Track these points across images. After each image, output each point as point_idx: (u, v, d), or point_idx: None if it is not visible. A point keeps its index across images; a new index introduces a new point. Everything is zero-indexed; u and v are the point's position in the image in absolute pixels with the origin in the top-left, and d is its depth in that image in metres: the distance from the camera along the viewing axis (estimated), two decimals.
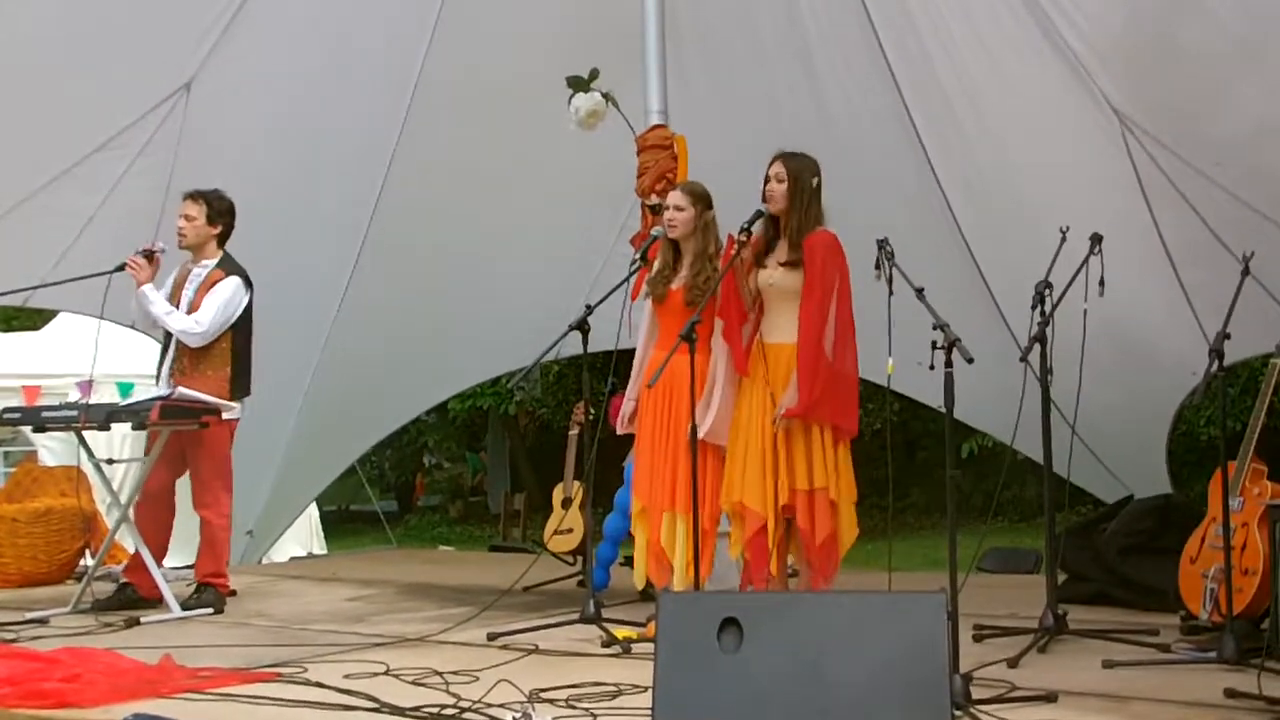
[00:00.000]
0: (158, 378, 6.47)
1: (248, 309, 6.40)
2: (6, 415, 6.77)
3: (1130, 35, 5.59)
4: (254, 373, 6.51)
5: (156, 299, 6.24)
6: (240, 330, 6.38)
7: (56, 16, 5.93)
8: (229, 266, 6.38)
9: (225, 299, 6.28)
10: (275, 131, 6.95)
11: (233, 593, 6.69)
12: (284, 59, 6.72)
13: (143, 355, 8.09)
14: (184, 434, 6.21)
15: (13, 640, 5.33)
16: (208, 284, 6.31)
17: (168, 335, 6.41)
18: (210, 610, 6.20)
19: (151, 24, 6.26)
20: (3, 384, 8.75)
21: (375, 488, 14.53)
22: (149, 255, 6.25)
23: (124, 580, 6.44)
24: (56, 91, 6.22)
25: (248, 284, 6.39)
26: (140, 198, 6.94)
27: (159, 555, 6.39)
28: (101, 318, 6.44)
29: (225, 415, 6.24)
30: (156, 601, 6.20)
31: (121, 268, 6.21)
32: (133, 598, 6.29)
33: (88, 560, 7.48)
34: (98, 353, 6.68)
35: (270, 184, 7.04)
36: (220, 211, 6.37)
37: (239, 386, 6.39)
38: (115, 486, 7.02)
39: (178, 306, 6.32)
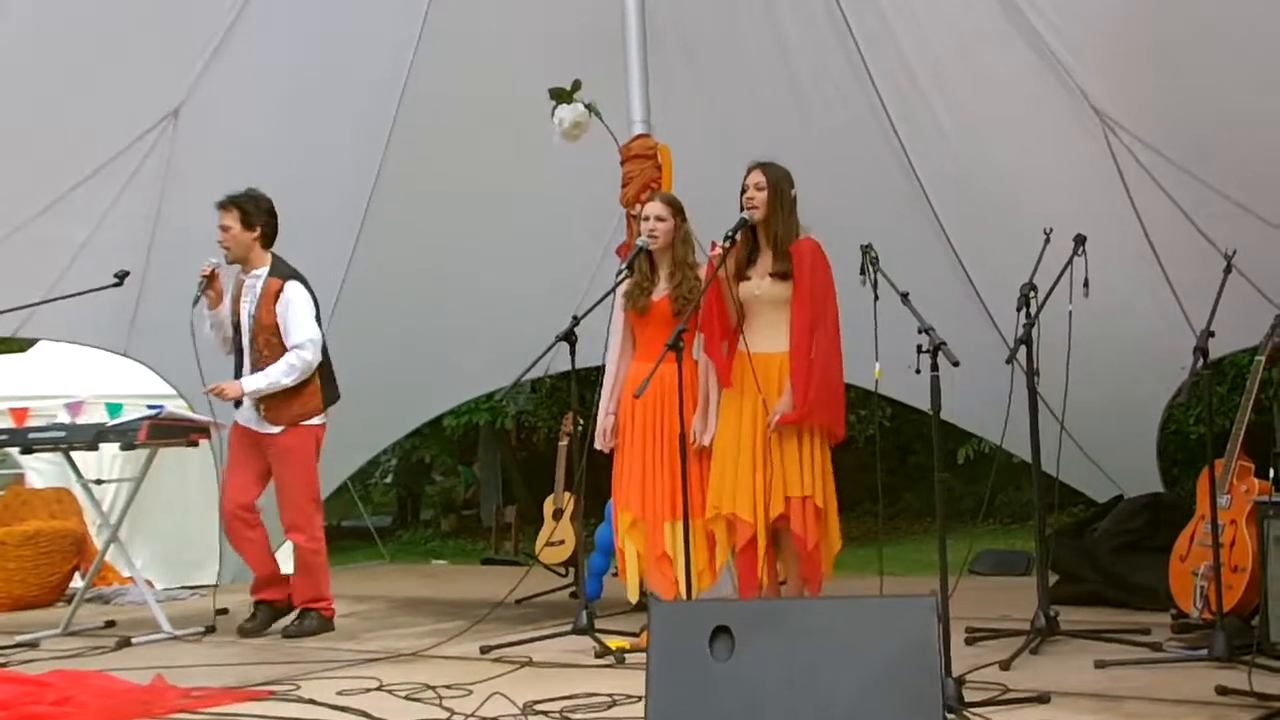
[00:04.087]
0: (236, 403, 6.11)
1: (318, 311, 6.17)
2: None
3: (1107, 33, 5.61)
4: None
5: (257, 382, 5.93)
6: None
7: (42, 47, 5.89)
8: (283, 271, 6.09)
9: (305, 309, 6.02)
10: (262, 154, 6.92)
11: (224, 611, 6.68)
12: (270, 82, 6.71)
13: (131, 376, 8.09)
14: (270, 447, 6.00)
15: (3, 664, 5.31)
16: (268, 296, 6.03)
17: (237, 361, 6.12)
18: (314, 634, 5.97)
19: (138, 52, 6.22)
20: None
21: (369, 503, 14.49)
22: (210, 279, 6.01)
23: (256, 600, 6.15)
24: (44, 121, 6.17)
25: (309, 284, 6.13)
26: (130, 225, 6.88)
27: (269, 579, 6.13)
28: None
29: (311, 422, 6.05)
30: (287, 608, 6.10)
31: (197, 300, 6.01)
32: (273, 613, 6.11)
33: (78, 582, 7.46)
34: (78, 373, 6.63)
35: None
36: (256, 212, 6.07)
37: (329, 394, 6.16)
38: (105, 507, 7.00)
39: (239, 323, 6.08)
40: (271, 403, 5.99)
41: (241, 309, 6.12)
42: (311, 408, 6.06)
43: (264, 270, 6.09)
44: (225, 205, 6.05)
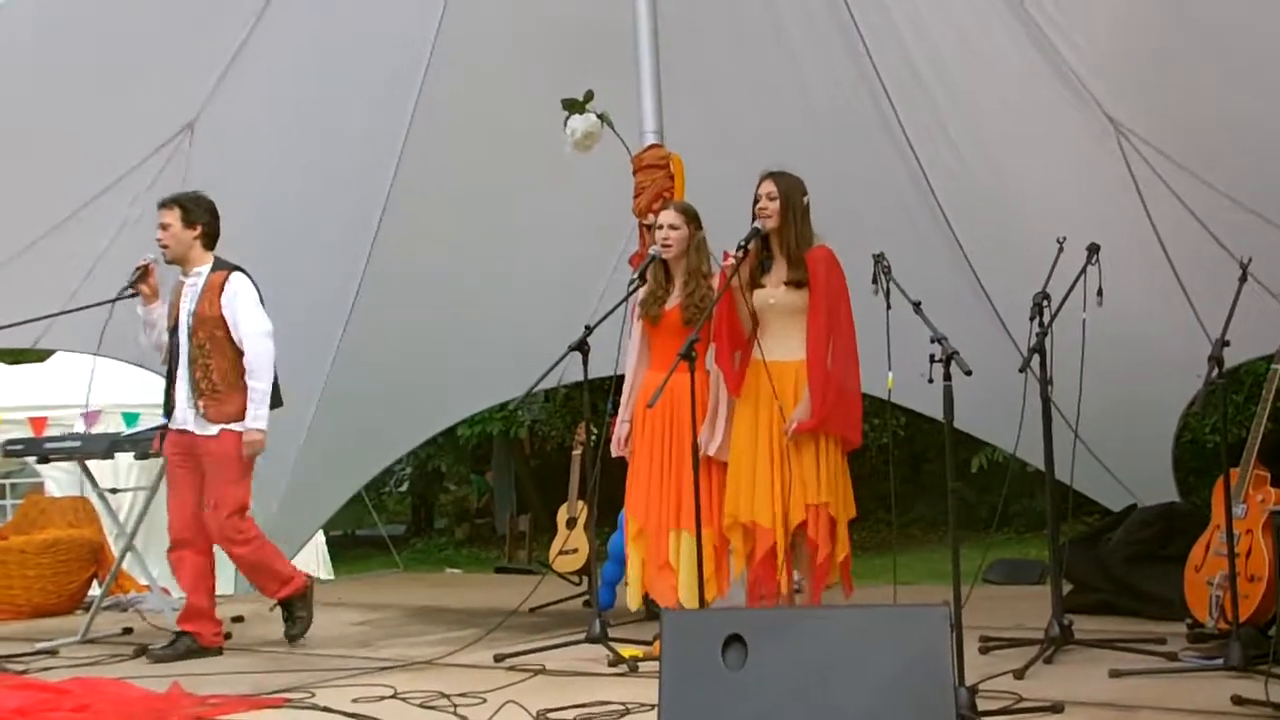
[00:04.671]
0: (167, 411, 5.93)
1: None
2: (10, 447, 6.81)
3: (1120, 41, 5.61)
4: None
5: (256, 409, 5.73)
6: None
7: (59, 60, 5.92)
8: (226, 264, 5.88)
9: (254, 299, 5.82)
10: (276, 166, 6.96)
11: (239, 619, 6.70)
12: (284, 94, 6.73)
13: (147, 386, 8.13)
14: (206, 455, 5.76)
15: (22, 671, 5.35)
16: (212, 289, 5.80)
17: (171, 365, 5.91)
18: (307, 619, 5.94)
19: (153, 65, 6.23)
20: (9, 416, 8.78)
21: (383, 512, 14.53)
22: (143, 272, 5.90)
23: (180, 630, 5.84)
24: (63, 134, 6.17)
25: (251, 278, 5.92)
26: (147, 238, 6.86)
27: (198, 612, 5.84)
28: (98, 353, 6.28)
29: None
30: (218, 650, 5.85)
31: (128, 295, 5.93)
32: (191, 647, 5.77)
33: (95, 590, 7.50)
34: (94, 382, 6.64)
35: (273, 218, 7.07)
36: (198, 210, 5.85)
37: (272, 397, 5.88)
38: (121, 516, 7.04)
39: (177, 324, 5.84)
40: (212, 399, 5.76)
41: (181, 309, 5.87)
42: (242, 411, 5.77)
43: (205, 268, 5.87)
44: (166, 203, 5.87)
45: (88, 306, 6.26)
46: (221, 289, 5.80)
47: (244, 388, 5.75)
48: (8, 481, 9.29)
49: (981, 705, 3.87)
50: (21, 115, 6.05)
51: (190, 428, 5.83)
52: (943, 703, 3.21)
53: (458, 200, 7.45)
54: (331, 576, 10.35)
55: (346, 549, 13.88)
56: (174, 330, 5.91)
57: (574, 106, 6.08)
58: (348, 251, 7.66)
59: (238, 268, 5.88)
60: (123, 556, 6.78)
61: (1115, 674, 4.42)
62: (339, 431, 8.23)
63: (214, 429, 5.77)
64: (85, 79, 6.03)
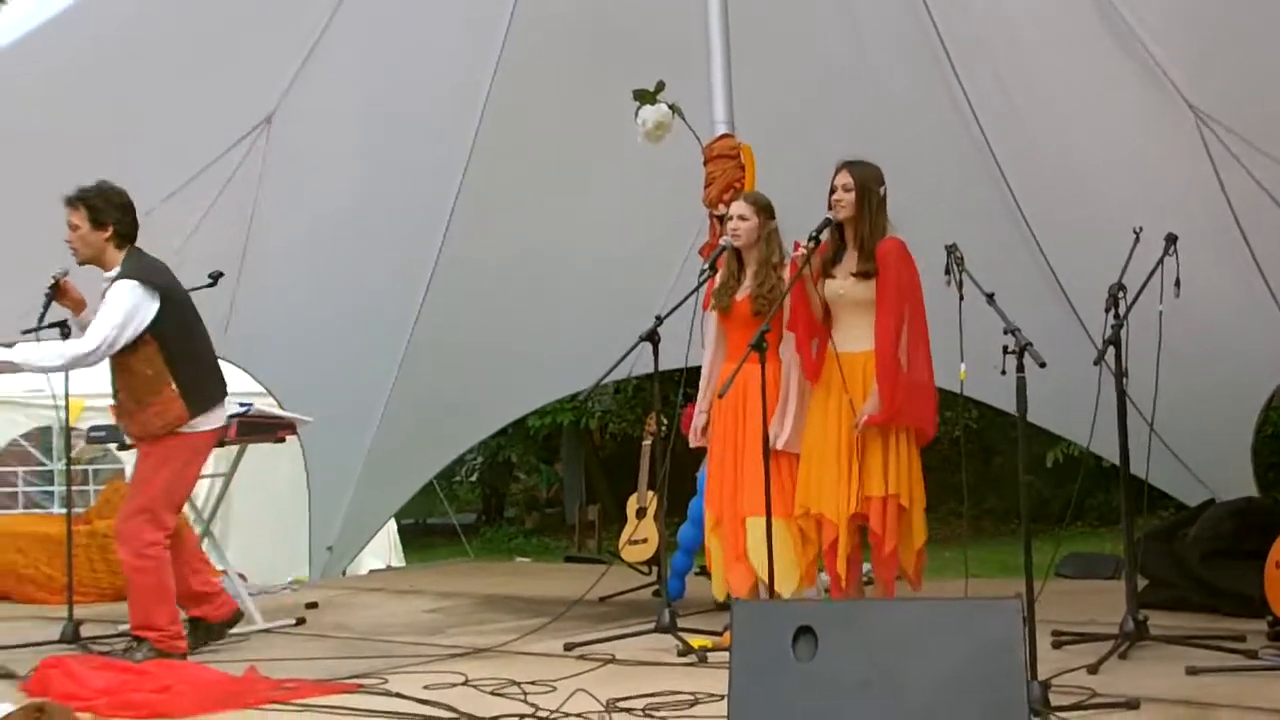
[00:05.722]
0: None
1: (174, 309, 5.33)
2: (93, 434, 6.94)
3: (1199, 25, 5.51)
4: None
5: (13, 354, 5.12)
6: (169, 336, 5.28)
7: (137, 54, 5.99)
8: (128, 268, 5.28)
9: (114, 306, 5.16)
10: (352, 159, 7.03)
11: (314, 605, 6.79)
12: (361, 87, 6.78)
13: (226, 374, 8.26)
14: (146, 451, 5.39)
15: (106, 652, 5.45)
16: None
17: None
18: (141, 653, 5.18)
19: (232, 58, 6.28)
20: (92, 403, 8.95)
21: (454, 500, 14.64)
22: (54, 289, 5.43)
23: (190, 617, 5.64)
24: (141, 129, 6.21)
25: (153, 283, 5.27)
26: (224, 234, 6.91)
27: (191, 596, 5.62)
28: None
29: (182, 430, 5.33)
30: (229, 621, 5.75)
31: (45, 326, 5.46)
32: (207, 631, 5.67)
33: None
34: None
35: (347, 211, 7.14)
36: (107, 209, 5.30)
37: (197, 400, 5.34)
38: (199, 503, 7.15)
39: None
40: (126, 420, 5.42)
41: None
42: (173, 417, 5.30)
43: (115, 272, 5.30)
44: (72, 202, 5.31)
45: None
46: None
47: (157, 401, 5.28)
48: (91, 468, 9.47)
49: (1054, 700, 3.83)
50: (99, 112, 6.14)
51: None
52: (1015, 696, 3.20)
53: (528, 191, 7.48)
54: (403, 564, 10.46)
55: (417, 537, 14.01)
56: None
57: (645, 97, 6.08)
58: (420, 243, 7.73)
59: (135, 273, 5.27)
60: (200, 542, 6.89)
61: (1192, 671, 4.35)
62: (412, 421, 8.31)
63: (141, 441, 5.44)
64: (164, 70, 6.11)
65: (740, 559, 5.35)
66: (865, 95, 6.80)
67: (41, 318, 5.50)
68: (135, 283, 5.22)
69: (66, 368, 5.39)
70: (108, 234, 5.31)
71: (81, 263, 5.41)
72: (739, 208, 5.50)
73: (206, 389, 5.44)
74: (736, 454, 5.39)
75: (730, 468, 5.40)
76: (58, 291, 5.45)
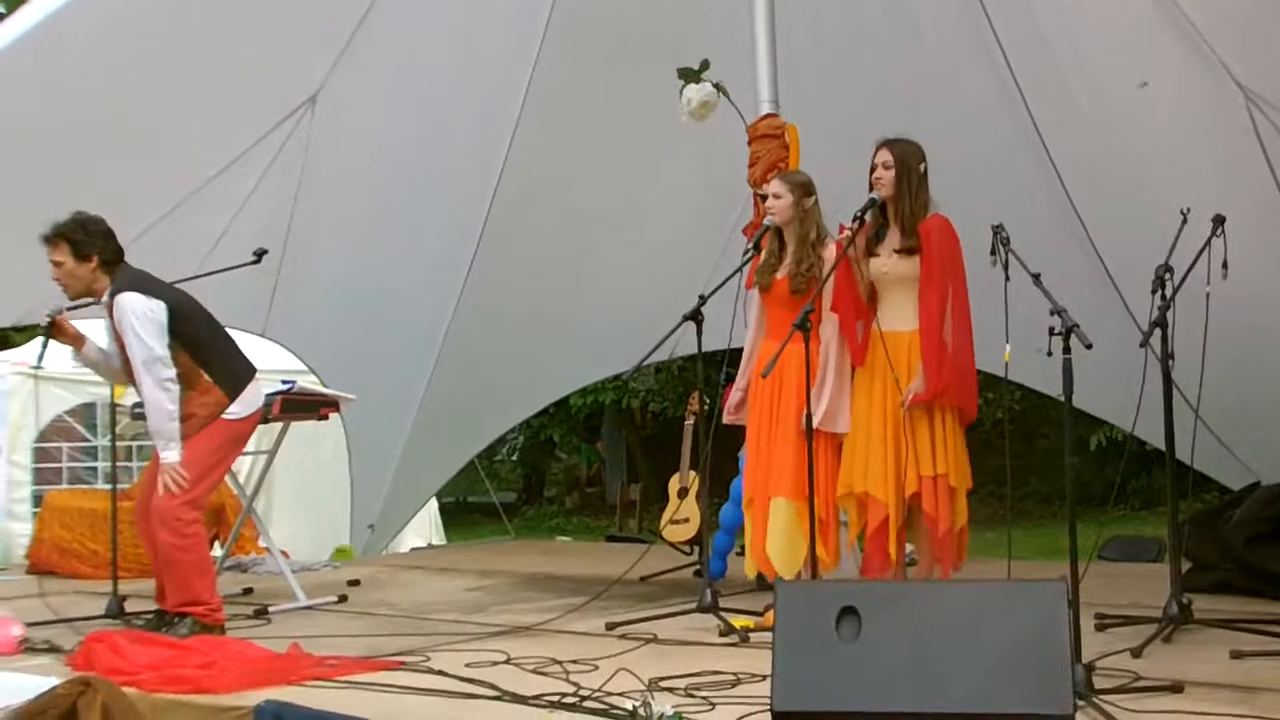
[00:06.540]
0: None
1: (176, 308, 5.38)
2: (137, 410, 7.00)
3: (1248, 3, 5.44)
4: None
5: (165, 438, 5.29)
6: (184, 333, 5.39)
7: (183, 34, 6.02)
8: (120, 282, 5.34)
9: (140, 323, 5.25)
10: (395, 139, 7.04)
11: (356, 582, 6.84)
12: (405, 65, 6.80)
13: (265, 353, 8.33)
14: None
15: (150, 628, 5.50)
16: (112, 316, 5.37)
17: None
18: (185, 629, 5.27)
19: (276, 37, 6.31)
20: None
21: (495, 480, 14.72)
22: (51, 327, 5.44)
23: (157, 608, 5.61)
24: (186, 108, 6.26)
25: (147, 290, 5.33)
26: (268, 213, 6.97)
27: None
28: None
29: (225, 416, 5.46)
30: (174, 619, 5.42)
31: (41, 357, 5.57)
32: (160, 621, 5.52)
33: (217, 551, 7.71)
34: None
35: (391, 191, 7.17)
36: (88, 240, 5.32)
37: (230, 382, 5.49)
38: (241, 480, 7.22)
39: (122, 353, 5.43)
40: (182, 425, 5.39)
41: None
42: (214, 403, 5.44)
43: (109, 290, 5.36)
44: (51, 239, 5.31)
45: (224, 270, 6.19)
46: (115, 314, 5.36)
47: (199, 398, 5.42)
48: (135, 444, 9.58)
49: (1098, 683, 3.80)
50: (145, 93, 6.18)
51: None
52: (1059, 679, 3.19)
53: (571, 171, 7.49)
54: (444, 542, 10.53)
55: (458, 516, 14.11)
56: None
57: (689, 76, 6.07)
58: (461, 226, 7.75)
59: (126, 285, 5.33)
60: (242, 519, 6.97)
61: (1236, 655, 4.32)
62: (454, 400, 8.36)
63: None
64: (213, 53, 6.14)
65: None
66: (911, 74, 6.76)
67: (40, 356, 5.59)
68: (132, 293, 5.30)
69: (171, 401, 5.31)
70: (93, 265, 5.35)
71: (74, 297, 5.45)
72: (774, 186, 5.49)
73: (236, 371, 5.58)
74: (771, 433, 5.38)
75: (765, 447, 5.40)
76: (54, 329, 5.47)
